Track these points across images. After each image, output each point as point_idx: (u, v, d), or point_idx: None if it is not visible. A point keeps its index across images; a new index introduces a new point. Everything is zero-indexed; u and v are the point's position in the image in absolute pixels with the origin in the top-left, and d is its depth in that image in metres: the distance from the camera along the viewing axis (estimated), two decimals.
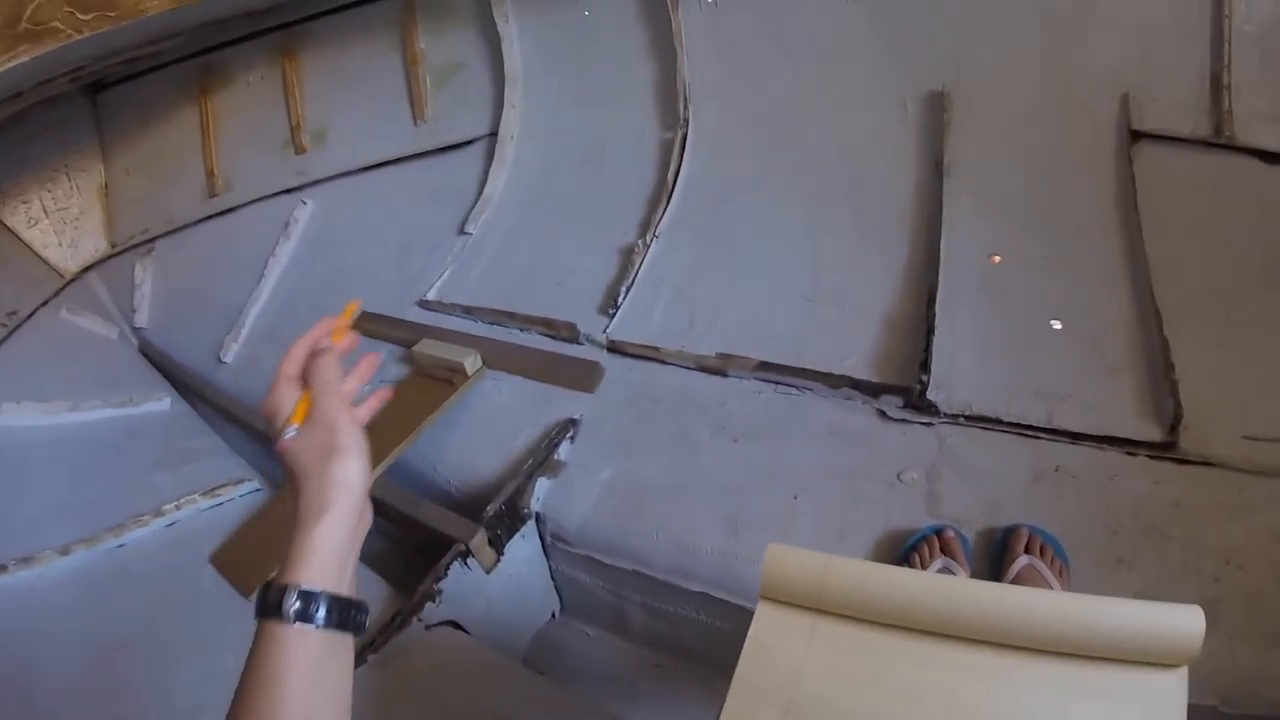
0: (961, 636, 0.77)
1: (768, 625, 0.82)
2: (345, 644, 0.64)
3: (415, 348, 1.85)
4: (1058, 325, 1.57)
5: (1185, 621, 0.71)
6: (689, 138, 2.08)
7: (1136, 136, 1.76)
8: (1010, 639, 0.75)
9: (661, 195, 2.01)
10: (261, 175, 2.71)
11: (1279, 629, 1.16)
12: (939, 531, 1.32)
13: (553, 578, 1.66)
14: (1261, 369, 1.46)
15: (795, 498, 1.45)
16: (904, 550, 1.33)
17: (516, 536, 1.54)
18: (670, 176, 2.03)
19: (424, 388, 1.80)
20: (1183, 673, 0.73)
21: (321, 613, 0.61)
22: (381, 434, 1.69)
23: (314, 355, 0.72)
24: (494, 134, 2.33)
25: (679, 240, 1.95)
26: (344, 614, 0.63)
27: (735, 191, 1.99)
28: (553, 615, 1.71)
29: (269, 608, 0.61)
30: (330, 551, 0.63)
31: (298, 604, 0.61)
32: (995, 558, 1.30)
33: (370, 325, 2.06)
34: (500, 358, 1.82)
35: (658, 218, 1.97)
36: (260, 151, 2.74)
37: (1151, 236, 1.63)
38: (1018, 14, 1.87)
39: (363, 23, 2.60)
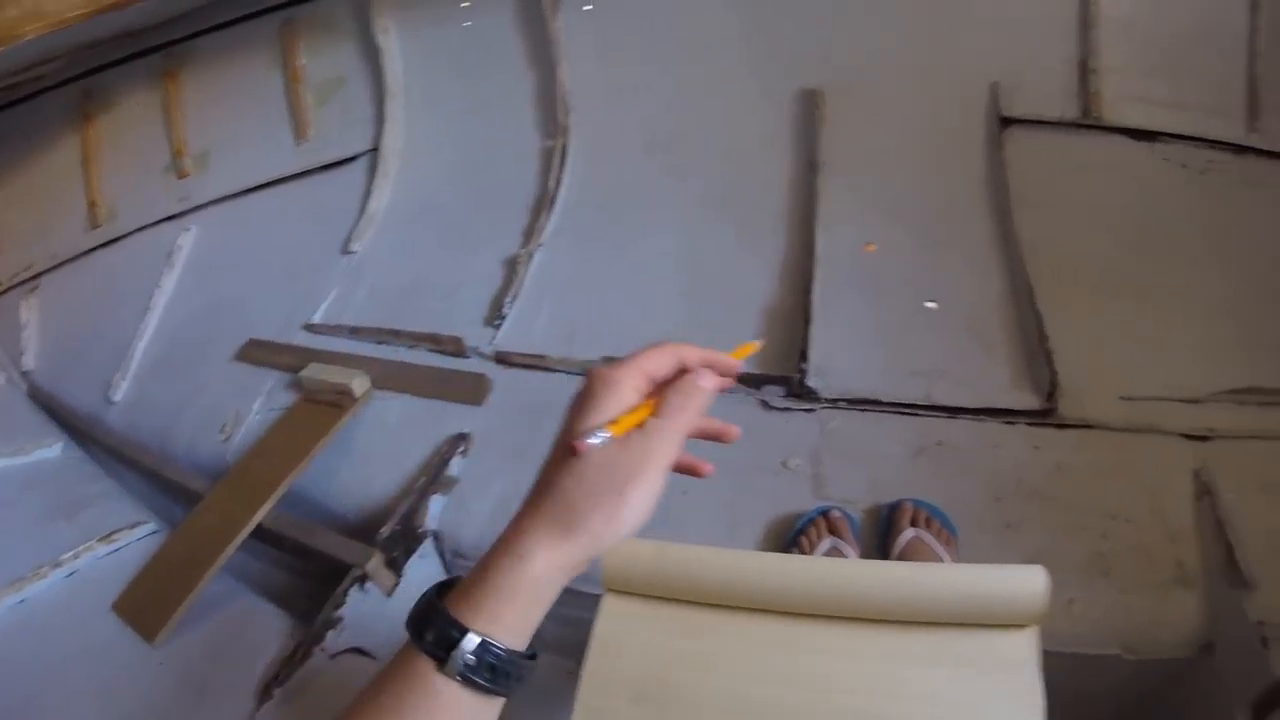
0: (803, 613, 0.79)
1: (613, 616, 0.84)
2: (495, 707, 0.52)
3: (302, 373, 1.83)
4: (933, 306, 1.64)
5: (1028, 582, 0.74)
6: (570, 145, 2.10)
7: (1006, 123, 1.85)
8: (850, 611, 0.78)
9: (544, 203, 2.03)
10: (145, 202, 2.64)
11: (1168, 576, 1.24)
12: (825, 513, 1.36)
13: None
14: (1133, 333, 1.55)
15: (684, 493, 1.47)
16: (792, 534, 1.37)
17: (415, 557, 1.53)
18: (552, 184, 2.04)
19: (313, 413, 1.78)
20: (1033, 633, 0.75)
21: (490, 673, 0.49)
22: (273, 462, 1.67)
23: (689, 374, 0.57)
24: (376, 149, 2.31)
25: (562, 248, 1.96)
26: (511, 671, 0.50)
27: (616, 196, 2.02)
28: None
29: (433, 640, 0.49)
30: (553, 580, 0.51)
31: (471, 659, 0.48)
32: (882, 533, 1.36)
33: (256, 352, 2.04)
34: (388, 377, 1.82)
35: (541, 226, 1.98)
36: (143, 178, 2.68)
37: (1022, 216, 1.72)
38: (889, 10, 1.95)
39: (244, 40, 2.55)
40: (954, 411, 1.49)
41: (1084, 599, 1.23)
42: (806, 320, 1.61)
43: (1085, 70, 1.86)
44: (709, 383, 0.57)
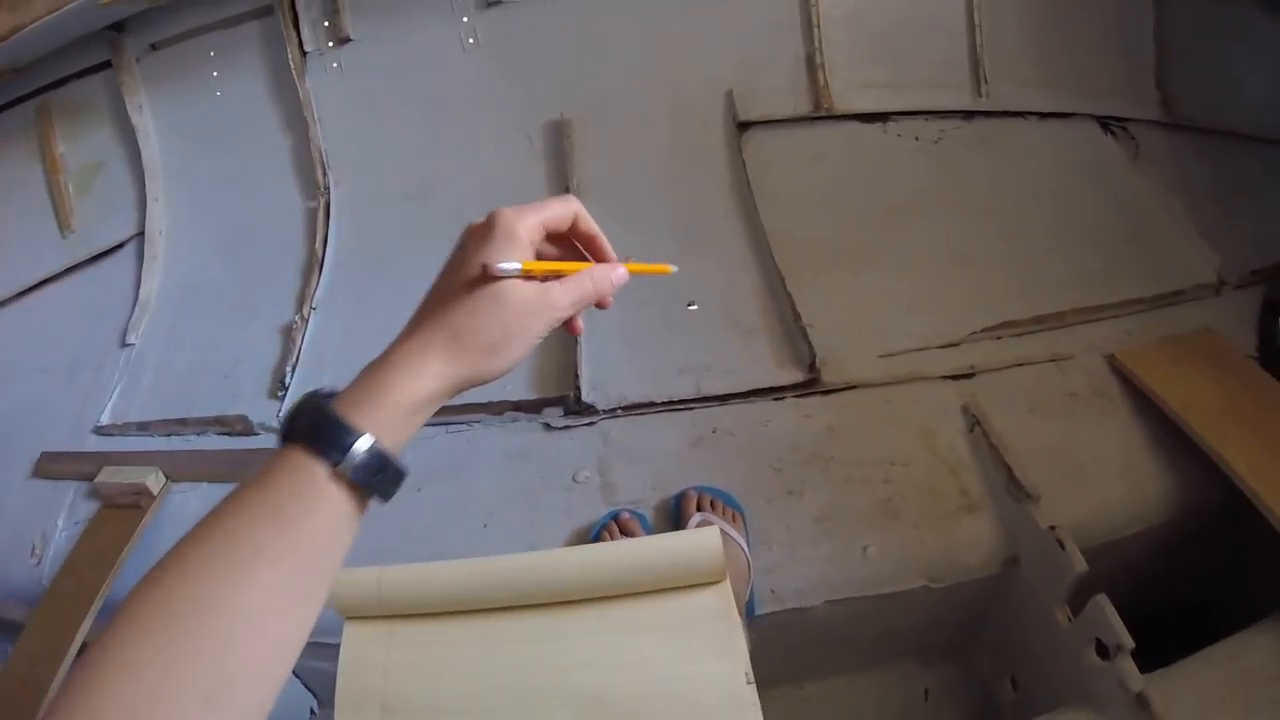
0: (517, 606, 0.86)
1: (352, 642, 0.90)
2: (352, 526, 0.55)
3: (98, 478, 1.78)
4: (694, 308, 1.74)
5: (704, 541, 0.82)
6: (332, 204, 2.11)
7: (744, 126, 1.97)
8: (556, 597, 0.85)
9: (313, 267, 2.03)
10: None
11: (956, 505, 1.36)
12: (616, 517, 1.43)
13: (296, 674, 1.65)
14: (883, 298, 1.69)
15: (485, 526, 1.54)
16: (589, 542, 1.43)
17: None
18: (319, 246, 2.06)
19: (115, 518, 1.73)
20: (723, 587, 0.82)
21: (375, 473, 0.52)
22: (84, 577, 1.63)
23: (608, 266, 0.66)
24: (142, 233, 2.26)
25: (336, 308, 1.98)
26: (394, 478, 0.55)
27: (383, 250, 2.05)
28: (311, 711, 1.72)
29: (320, 436, 0.52)
30: (421, 410, 0.56)
31: (361, 459, 0.51)
32: (673, 525, 1.43)
33: (51, 465, 1.96)
34: (182, 468, 1.79)
35: (312, 290, 1.99)
36: None
37: (766, 210, 1.84)
38: (624, 37, 2.04)
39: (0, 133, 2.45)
40: (724, 399, 1.59)
41: (878, 543, 1.34)
42: (575, 340, 1.68)
43: (812, 66, 2.00)
44: (618, 277, 0.65)
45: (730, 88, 2.00)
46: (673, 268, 0.75)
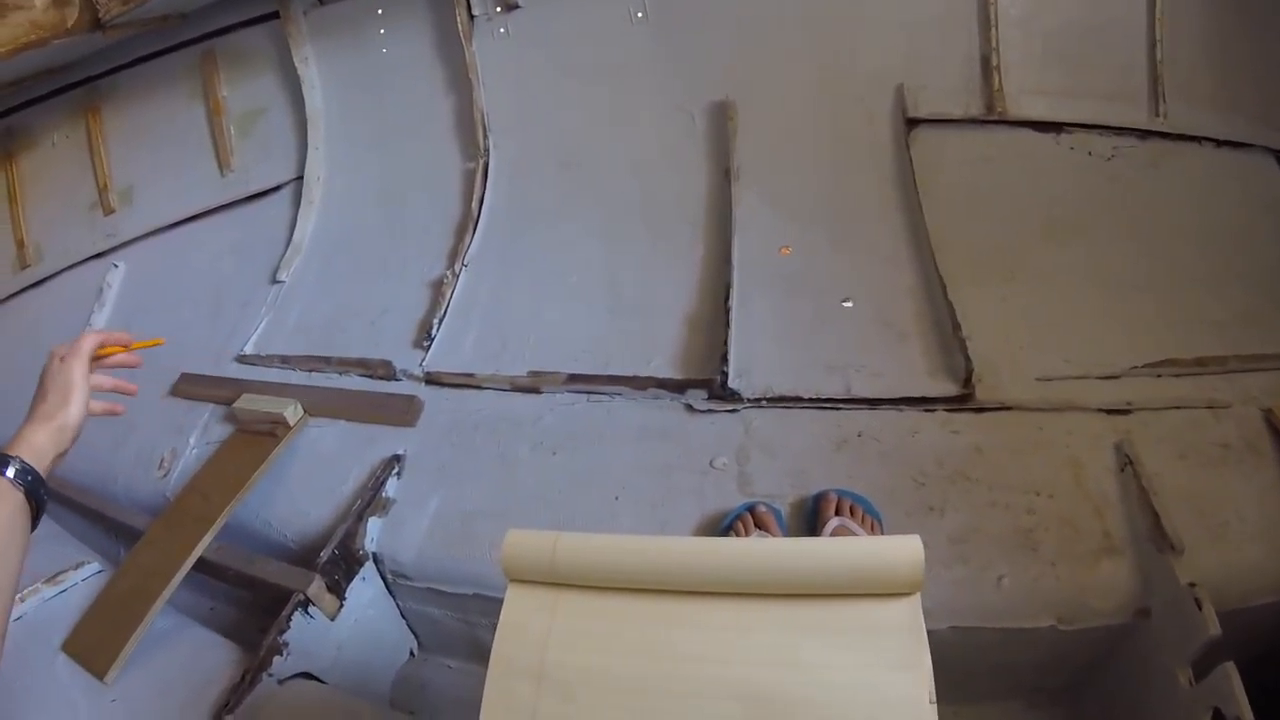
0: (695, 591, 0.82)
1: (515, 605, 0.86)
2: (27, 513, 0.97)
3: (236, 404, 1.84)
4: (849, 305, 1.70)
5: (905, 550, 0.76)
6: (490, 166, 2.13)
7: (913, 123, 1.90)
8: (741, 588, 0.81)
9: (467, 225, 2.06)
10: (72, 240, 2.63)
11: (1096, 546, 1.27)
12: (752, 508, 1.39)
13: (403, 615, 1.68)
14: (1045, 317, 1.61)
15: (616, 499, 1.52)
16: (720, 531, 1.40)
17: (356, 579, 1.56)
18: (475, 206, 2.08)
19: (249, 443, 1.79)
20: (914, 600, 0.77)
21: (29, 479, 0.97)
22: (210, 496, 1.69)
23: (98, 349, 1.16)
24: (300, 178, 2.33)
25: (486, 268, 2.00)
26: (39, 486, 0.98)
27: (536, 215, 2.06)
28: (411, 653, 1.74)
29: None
30: (43, 449, 1.01)
31: (17, 467, 0.96)
32: (809, 525, 1.39)
33: (190, 387, 2.05)
34: (321, 404, 1.83)
35: (465, 248, 2.02)
36: (69, 216, 2.66)
37: (932, 212, 1.78)
38: (793, 19, 1.99)
39: (164, 74, 2.54)
40: (873, 403, 1.53)
41: (1013, 574, 1.26)
42: (726, 324, 1.66)
43: (988, 67, 1.92)
44: (87, 344, 1.13)
45: (900, 81, 1.94)
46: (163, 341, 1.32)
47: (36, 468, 0.98)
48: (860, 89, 1.97)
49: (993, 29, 1.91)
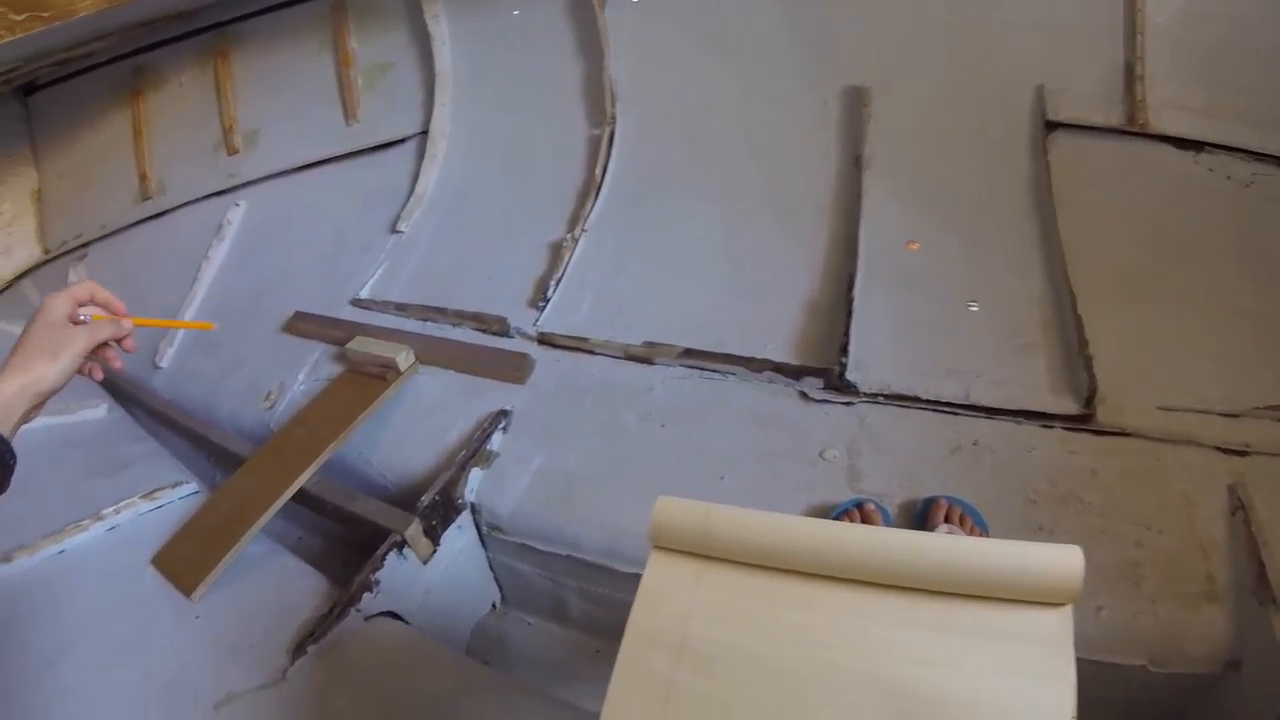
0: (843, 578, 0.79)
1: (658, 573, 0.84)
2: None
3: (349, 345, 1.87)
4: (974, 308, 1.64)
5: (1065, 560, 0.73)
6: (615, 134, 2.12)
7: (1051, 126, 1.84)
8: (891, 579, 0.78)
9: (589, 191, 2.05)
10: (194, 177, 2.70)
11: (1198, 588, 1.21)
12: (860, 505, 1.37)
13: (491, 568, 1.69)
14: (1173, 344, 1.53)
15: (721, 479, 1.50)
16: None
17: (452, 527, 1.57)
18: (598, 172, 2.07)
19: (357, 384, 1.82)
20: (1067, 611, 0.74)
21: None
22: (316, 430, 1.71)
23: (112, 319, 1.02)
24: (425, 133, 2.34)
25: (606, 234, 1.99)
26: (6, 450, 0.88)
27: (660, 186, 2.04)
28: (493, 606, 1.74)
29: None
30: (12, 406, 0.90)
31: None
32: (916, 528, 1.34)
33: (303, 325, 2.08)
34: (432, 353, 1.85)
35: (586, 213, 2.01)
36: (192, 153, 2.74)
37: (1066, 220, 1.71)
38: (932, 10, 1.94)
39: (294, 23, 2.60)
40: (991, 412, 1.48)
41: (1113, 606, 1.21)
42: (848, 314, 1.63)
43: (1131, 76, 1.85)
44: (118, 329, 1.01)
45: (1040, 82, 1.88)
46: (215, 326, 1.26)
47: (2, 428, 0.88)
48: (1000, 87, 1.91)
49: (1138, 36, 1.84)
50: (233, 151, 2.67)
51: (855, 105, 1.95)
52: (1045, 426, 1.45)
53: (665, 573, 0.85)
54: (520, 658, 1.66)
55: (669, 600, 0.83)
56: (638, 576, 1.44)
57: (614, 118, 2.14)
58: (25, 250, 2.88)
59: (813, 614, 0.79)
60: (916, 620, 0.77)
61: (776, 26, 2.05)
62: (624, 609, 1.54)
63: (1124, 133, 1.83)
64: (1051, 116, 1.84)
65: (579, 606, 1.62)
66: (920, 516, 1.36)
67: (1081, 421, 1.44)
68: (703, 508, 0.84)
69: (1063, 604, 0.75)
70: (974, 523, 1.32)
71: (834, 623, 0.78)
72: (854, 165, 1.88)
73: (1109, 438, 1.42)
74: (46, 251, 2.89)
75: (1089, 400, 1.44)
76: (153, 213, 2.73)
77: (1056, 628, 0.74)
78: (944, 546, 0.78)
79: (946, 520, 1.31)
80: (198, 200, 2.67)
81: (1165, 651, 1.18)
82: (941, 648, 0.75)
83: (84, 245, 2.81)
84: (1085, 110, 1.85)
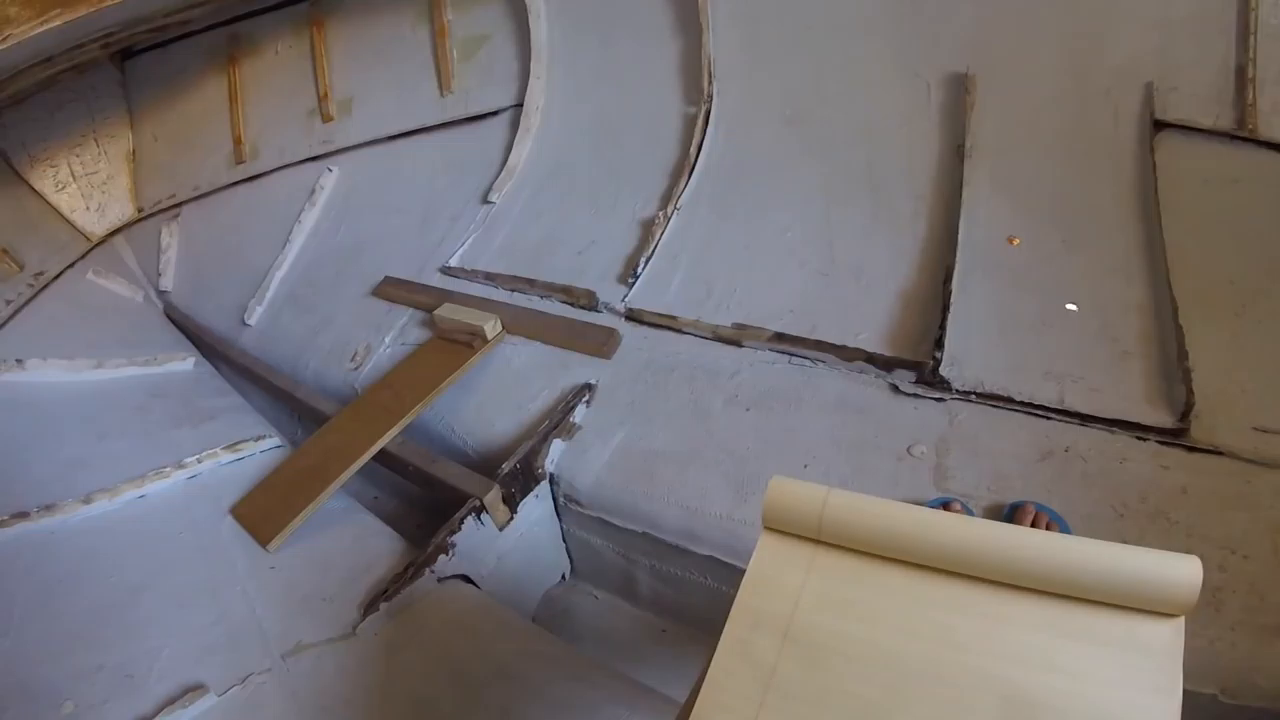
0: (958, 572, 0.77)
1: (768, 555, 0.81)
2: None
3: (437, 311, 1.88)
4: (1073, 309, 1.58)
5: (1183, 570, 0.70)
6: (712, 113, 2.09)
7: (1159, 126, 1.76)
8: (1005, 577, 0.75)
9: (683, 169, 2.02)
10: (288, 143, 2.74)
11: (1274, 620, 1.16)
12: (945, 504, 1.34)
13: (564, 539, 1.68)
14: (1273, 362, 1.46)
15: (805, 466, 1.47)
16: None
17: (530, 496, 1.56)
18: (693, 150, 2.04)
19: (444, 350, 1.82)
20: (1179, 623, 0.72)
21: None
22: (401, 393, 1.71)
23: None
24: (519, 106, 2.34)
25: (699, 213, 1.96)
26: None
27: (755, 167, 2.00)
28: (563, 577, 1.74)
29: None
30: None
31: None
32: None
33: (392, 289, 2.09)
34: (520, 323, 1.85)
35: (679, 191, 1.98)
36: (287, 120, 2.78)
37: (1170, 226, 1.63)
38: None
39: None
40: (1085, 419, 1.43)
41: (1192, 630, 1.16)
42: (944, 308, 1.58)
43: (1242, 79, 1.76)
44: None
45: (1150, 79, 1.79)
46: None
47: None
48: (1108, 81, 1.83)
49: (1251, 37, 1.74)
50: (327, 119, 2.70)
51: (958, 92, 1.89)
52: (1139, 438, 1.39)
53: (775, 555, 0.82)
54: (586, 630, 1.66)
55: (778, 585, 0.80)
56: (713, 560, 1.42)
57: (711, 96, 2.10)
58: (119, 208, 2.96)
59: (931, 609, 0.76)
60: (1032, 622, 0.74)
61: (879, 7, 2.00)
62: (695, 591, 1.52)
63: (1233, 137, 1.74)
64: (1160, 115, 1.77)
65: (649, 585, 1.60)
66: (1006, 520, 1.30)
67: (1175, 436, 1.38)
68: (820, 490, 0.81)
69: (1176, 615, 0.72)
70: (1060, 532, 1.28)
71: (952, 619, 0.75)
72: (955, 154, 1.83)
73: (1202, 455, 1.36)
74: (139, 210, 2.96)
75: (1184, 415, 1.38)
76: (246, 176, 2.78)
77: (1169, 639, 0.72)
78: (1070, 548, 0.75)
79: (1033, 527, 1.26)
80: (291, 165, 2.71)
81: (1238, 682, 1.14)
82: (1058, 652, 0.72)
83: (177, 205, 2.88)
84: (1194, 111, 1.77)
